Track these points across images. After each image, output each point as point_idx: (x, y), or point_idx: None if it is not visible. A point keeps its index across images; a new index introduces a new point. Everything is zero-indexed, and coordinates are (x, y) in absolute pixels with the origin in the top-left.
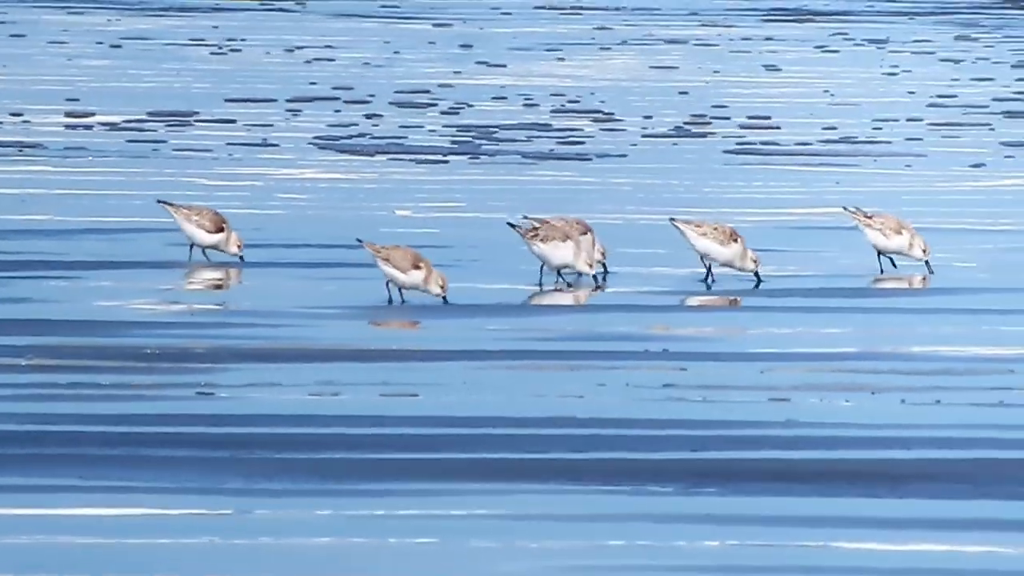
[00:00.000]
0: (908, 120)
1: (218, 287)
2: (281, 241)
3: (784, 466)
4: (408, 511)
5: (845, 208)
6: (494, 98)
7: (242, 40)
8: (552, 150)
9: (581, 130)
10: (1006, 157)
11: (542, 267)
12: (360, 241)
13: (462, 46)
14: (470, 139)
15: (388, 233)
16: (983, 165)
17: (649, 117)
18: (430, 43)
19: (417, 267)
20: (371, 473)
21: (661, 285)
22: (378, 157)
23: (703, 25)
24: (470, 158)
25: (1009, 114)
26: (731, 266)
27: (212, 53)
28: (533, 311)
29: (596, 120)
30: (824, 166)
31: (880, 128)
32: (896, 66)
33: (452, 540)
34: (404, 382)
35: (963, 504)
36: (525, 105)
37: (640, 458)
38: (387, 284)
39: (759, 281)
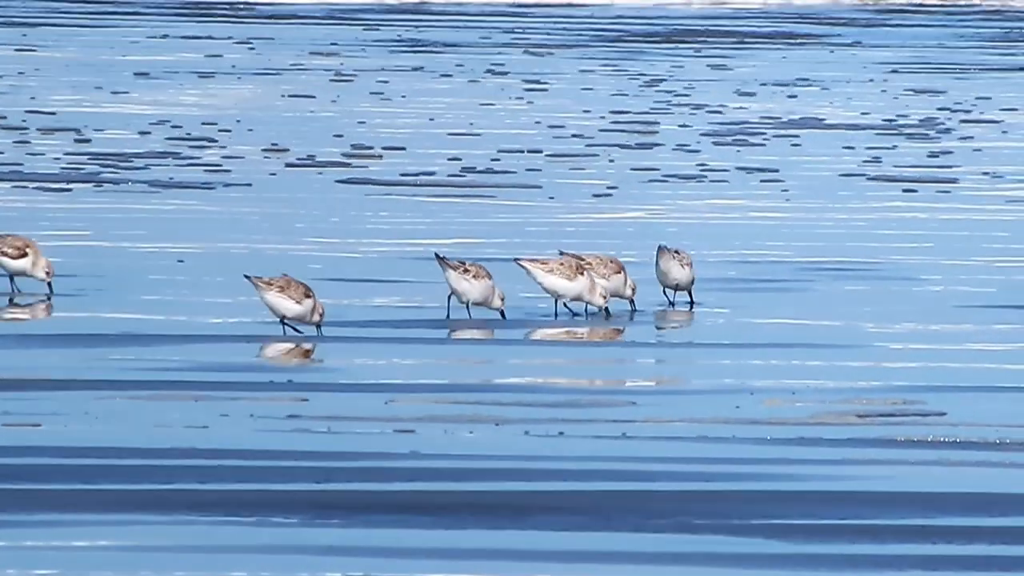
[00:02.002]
0: (530, 151)
1: None
2: None
3: (408, 498)
4: (29, 542)
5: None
6: (119, 126)
7: None
8: (172, 178)
9: (206, 158)
10: (610, 188)
11: (450, 297)
12: (247, 277)
13: (87, 73)
14: (95, 166)
15: None
16: (605, 196)
17: (276, 145)
18: (52, 70)
19: (308, 296)
20: None
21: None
22: (0, 184)
23: (329, 55)
24: (94, 186)
25: (633, 146)
26: (580, 300)
27: None
28: (156, 341)
29: (221, 148)
30: (449, 197)
31: (499, 159)
32: (520, 98)
33: (74, 572)
34: (26, 412)
35: (586, 536)
36: (150, 133)
37: (264, 489)
38: (282, 319)
39: (634, 310)
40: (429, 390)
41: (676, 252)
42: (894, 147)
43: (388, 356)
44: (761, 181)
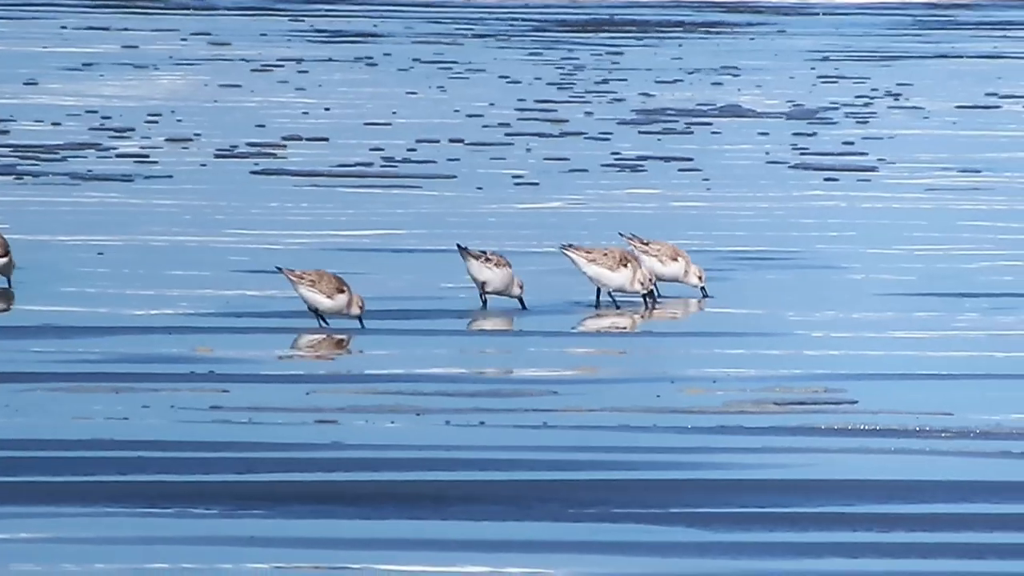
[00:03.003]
0: (451, 141)
1: None
2: None
3: (330, 488)
4: None
5: (621, 234)
6: (39, 117)
7: None
8: (91, 171)
9: (127, 150)
10: (530, 178)
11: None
12: (279, 269)
13: (5, 65)
14: (14, 159)
15: None
16: (526, 185)
17: (198, 136)
18: None
19: (341, 291)
20: None
21: (208, 307)
22: None
23: (252, 47)
24: (14, 178)
25: (555, 135)
26: (623, 291)
27: None
28: (77, 333)
29: (143, 139)
30: (370, 187)
31: (420, 149)
32: (442, 87)
33: None
34: None
35: (507, 525)
36: (70, 125)
37: (186, 480)
38: (316, 312)
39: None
40: (350, 380)
41: (645, 243)
42: (815, 135)
43: (309, 347)
44: (682, 170)
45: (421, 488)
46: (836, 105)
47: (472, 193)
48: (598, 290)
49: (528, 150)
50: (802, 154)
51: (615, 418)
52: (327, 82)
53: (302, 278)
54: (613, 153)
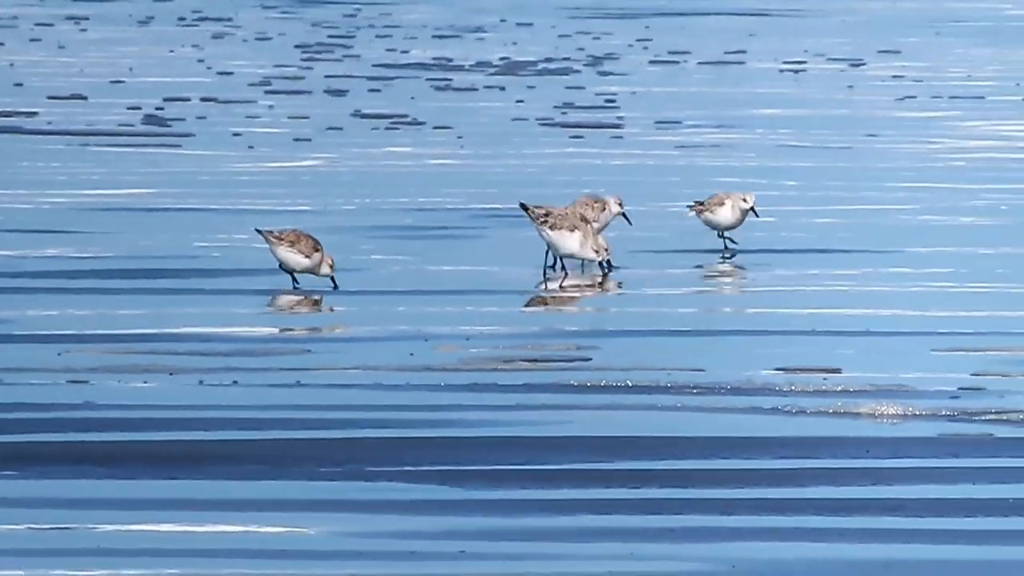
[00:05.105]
0: (202, 99)
1: None
2: None
3: (82, 448)
4: None
5: (689, 206)
6: None
7: None
8: None
9: None
10: (285, 136)
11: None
12: (259, 231)
13: None
14: None
15: None
16: (283, 144)
17: None
18: None
19: (317, 250)
20: None
21: None
22: None
23: (29, 5)
24: None
25: (313, 92)
26: (573, 257)
27: None
28: None
29: None
30: (123, 147)
31: (173, 108)
32: (196, 45)
33: None
34: None
35: (260, 484)
36: None
37: None
38: (290, 272)
39: (608, 270)
40: (102, 340)
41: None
42: (568, 90)
43: (61, 307)
44: (435, 127)
45: (174, 448)
46: (585, 61)
47: (225, 151)
48: (547, 253)
49: (271, 107)
50: (553, 111)
51: (368, 376)
52: (87, 40)
53: (281, 239)
54: (369, 111)
